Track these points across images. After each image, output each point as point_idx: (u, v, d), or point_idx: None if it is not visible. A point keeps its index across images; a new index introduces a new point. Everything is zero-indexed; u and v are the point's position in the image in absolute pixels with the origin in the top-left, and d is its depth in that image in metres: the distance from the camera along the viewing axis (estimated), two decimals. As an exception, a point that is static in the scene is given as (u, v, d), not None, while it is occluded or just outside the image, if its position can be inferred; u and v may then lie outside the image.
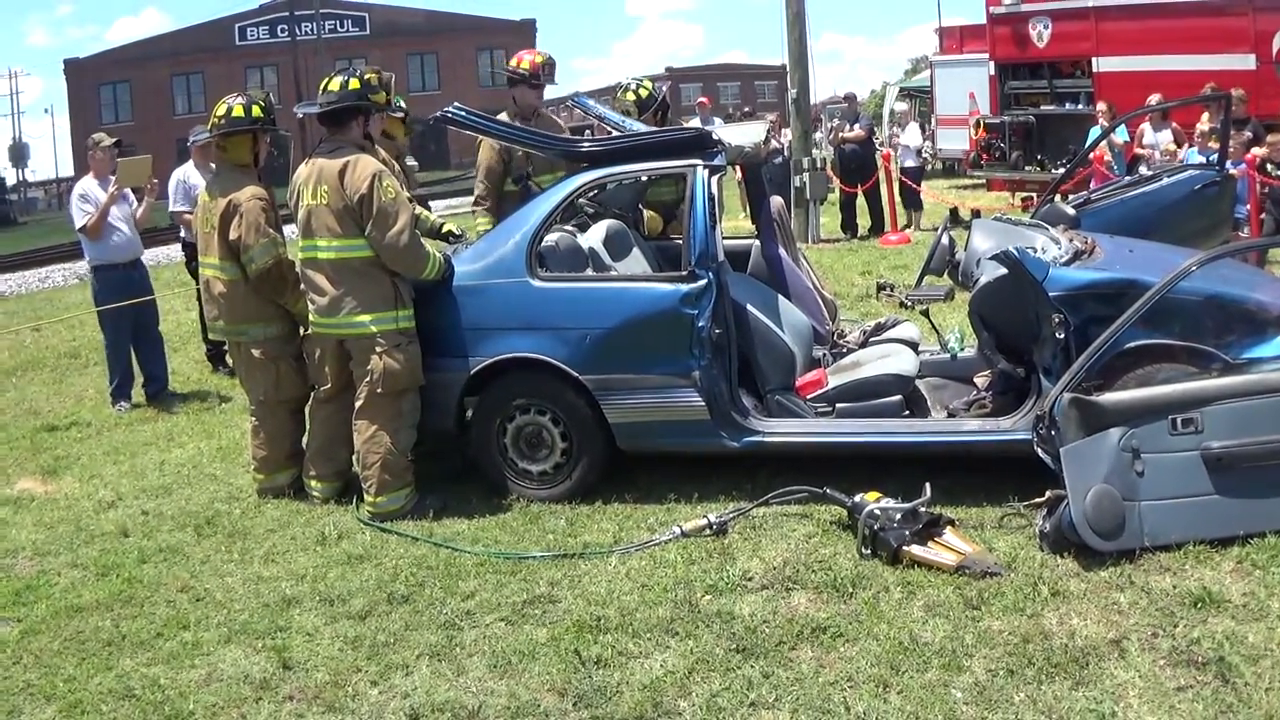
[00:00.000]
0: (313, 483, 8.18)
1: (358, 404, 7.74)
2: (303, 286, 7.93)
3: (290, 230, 7.94)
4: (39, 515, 8.46)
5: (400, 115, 9.70)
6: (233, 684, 5.60)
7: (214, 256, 8.34)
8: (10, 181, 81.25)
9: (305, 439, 8.36)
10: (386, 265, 7.60)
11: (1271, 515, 6.13)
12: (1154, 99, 17.55)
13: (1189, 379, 6.50)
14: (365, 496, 7.77)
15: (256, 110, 8.40)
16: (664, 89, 11.65)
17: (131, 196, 11.95)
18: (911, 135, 24.03)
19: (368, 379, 7.63)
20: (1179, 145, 17.77)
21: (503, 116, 9.24)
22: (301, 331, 8.27)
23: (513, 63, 9.85)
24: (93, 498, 8.71)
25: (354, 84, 7.84)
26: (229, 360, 12.43)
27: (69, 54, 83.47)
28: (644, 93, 10.93)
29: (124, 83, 79.97)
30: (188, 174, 12.24)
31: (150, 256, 12.56)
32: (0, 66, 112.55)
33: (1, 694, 5.70)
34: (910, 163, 23.04)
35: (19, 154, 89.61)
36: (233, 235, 8.17)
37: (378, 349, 7.56)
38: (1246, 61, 19.39)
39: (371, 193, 7.46)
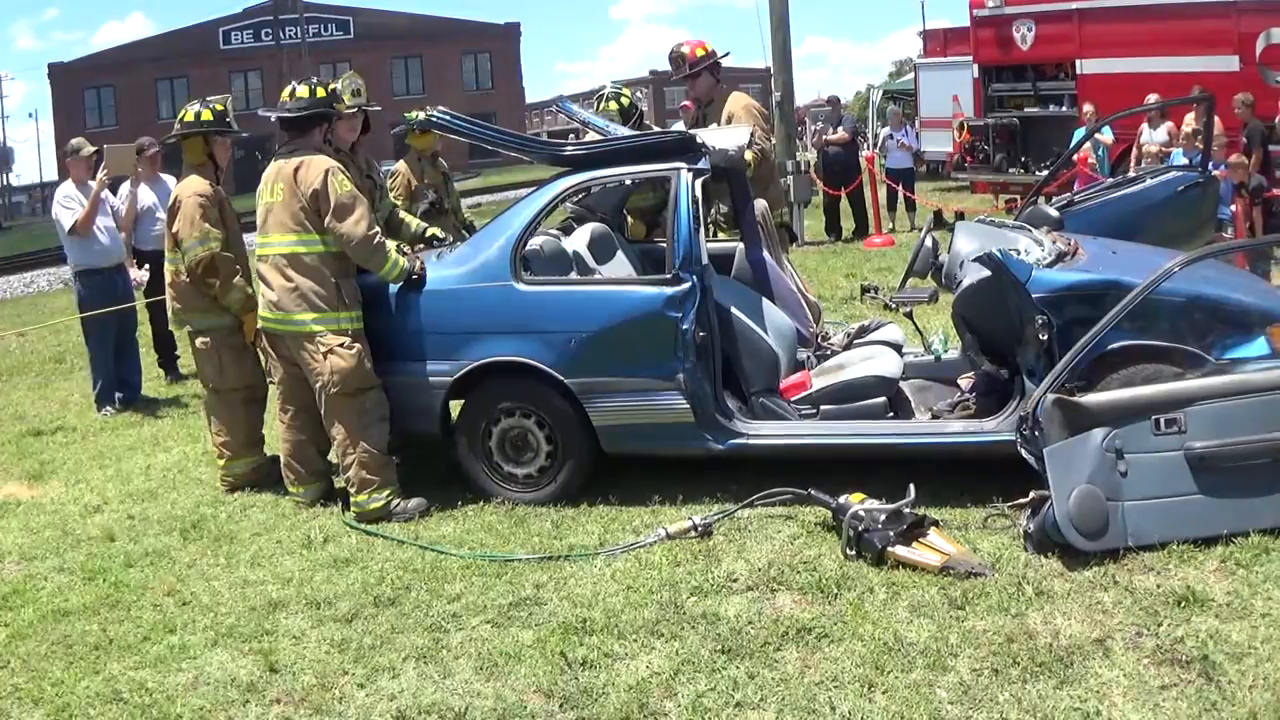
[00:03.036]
0: (292, 488, 8.21)
1: (323, 409, 7.82)
2: (237, 281, 8.37)
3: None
4: (25, 520, 8.44)
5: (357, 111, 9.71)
6: (220, 687, 5.59)
7: (166, 248, 8.83)
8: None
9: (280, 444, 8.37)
10: (351, 257, 7.74)
11: (1254, 514, 6.16)
12: (1152, 98, 17.60)
13: (1172, 379, 6.53)
14: (349, 498, 7.78)
15: (207, 114, 8.80)
16: (641, 98, 11.82)
17: (113, 200, 11.96)
18: (909, 136, 24.13)
19: (320, 382, 7.71)
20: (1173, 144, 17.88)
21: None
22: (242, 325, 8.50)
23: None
24: (79, 502, 8.70)
25: (320, 92, 8.15)
26: (178, 367, 12.83)
27: (55, 58, 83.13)
28: (625, 101, 11.07)
29: (109, 86, 79.75)
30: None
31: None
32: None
33: (-12, 698, 5.69)
34: (904, 164, 23.11)
35: (3, 158, 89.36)
36: (174, 228, 8.54)
37: (321, 349, 7.65)
38: (1230, 63, 19.44)
39: (325, 187, 7.66)
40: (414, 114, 10.82)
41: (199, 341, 8.63)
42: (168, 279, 8.78)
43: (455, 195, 12.66)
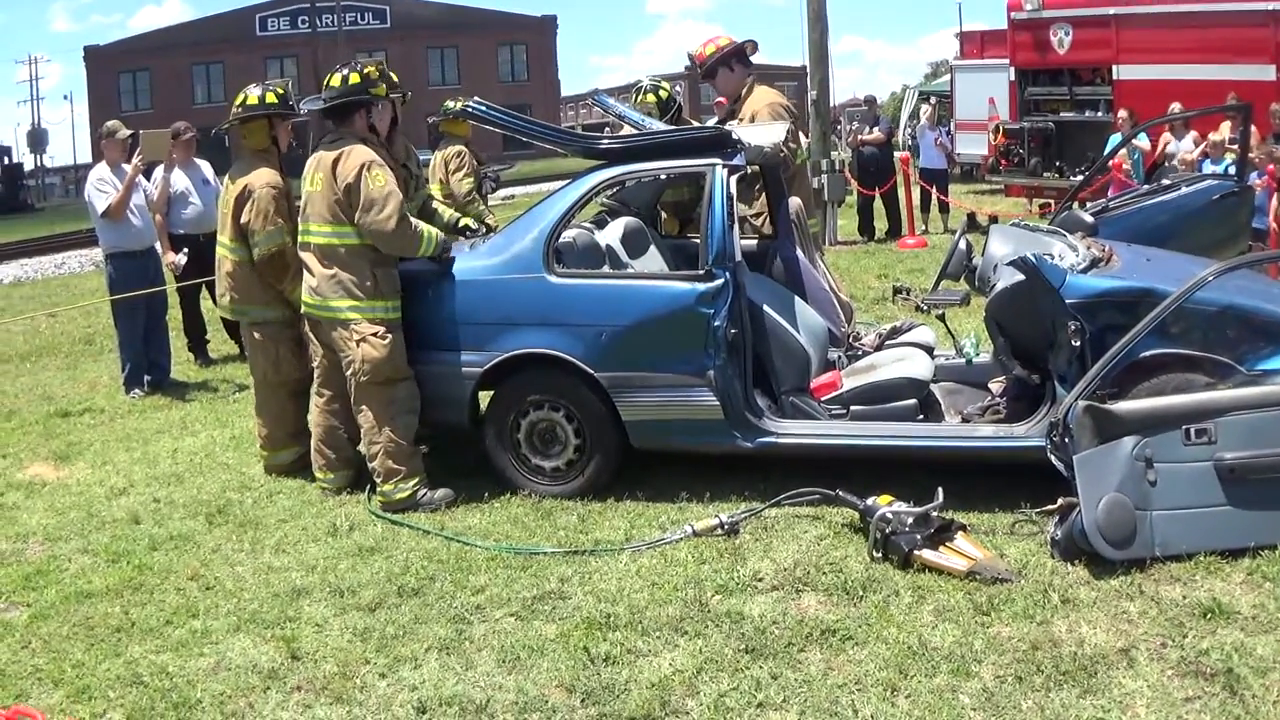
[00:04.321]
0: (319, 473, 8.22)
1: (352, 396, 7.83)
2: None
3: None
4: (50, 500, 8.49)
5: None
6: (241, 673, 5.60)
7: (226, 237, 8.64)
8: (28, 167, 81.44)
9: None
10: (381, 250, 7.74)
11: (1284, 527, 6.12)
12: (1175, 107, 17.51)
13: (1204, 389, 6.49)
14: (376, 487, 7.80)
15: (270, 97, 8.68)
16: (679, 91, 11.74)
17: (146, 184, 11.99)
18: (944, 135, 24.05)
19: (351, 369, 7.73)
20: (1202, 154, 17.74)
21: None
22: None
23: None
24: (104, 484, 8.74)
25: (354, 78, 8.06)
26: (209, 353, 12.78)
27: (91, 41, 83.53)
28: (664, 94, 11.00)
29: (144, 71, 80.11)
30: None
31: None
32: (20, 52, 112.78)
33: (10, 678, 5.71)
34: (938, 165, 23.06)
35: (38, 140, 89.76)
36: (243, 219, 8.47)
37: (354, 336, 7.66)
38: (1266, 72, 19.34)
39: (359, 182, 7.63)
40: (454, 103, 10.88)
41: (256, 333, 8.64)
42: (225, 268, 8.67)
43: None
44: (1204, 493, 6.11)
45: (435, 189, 12.14)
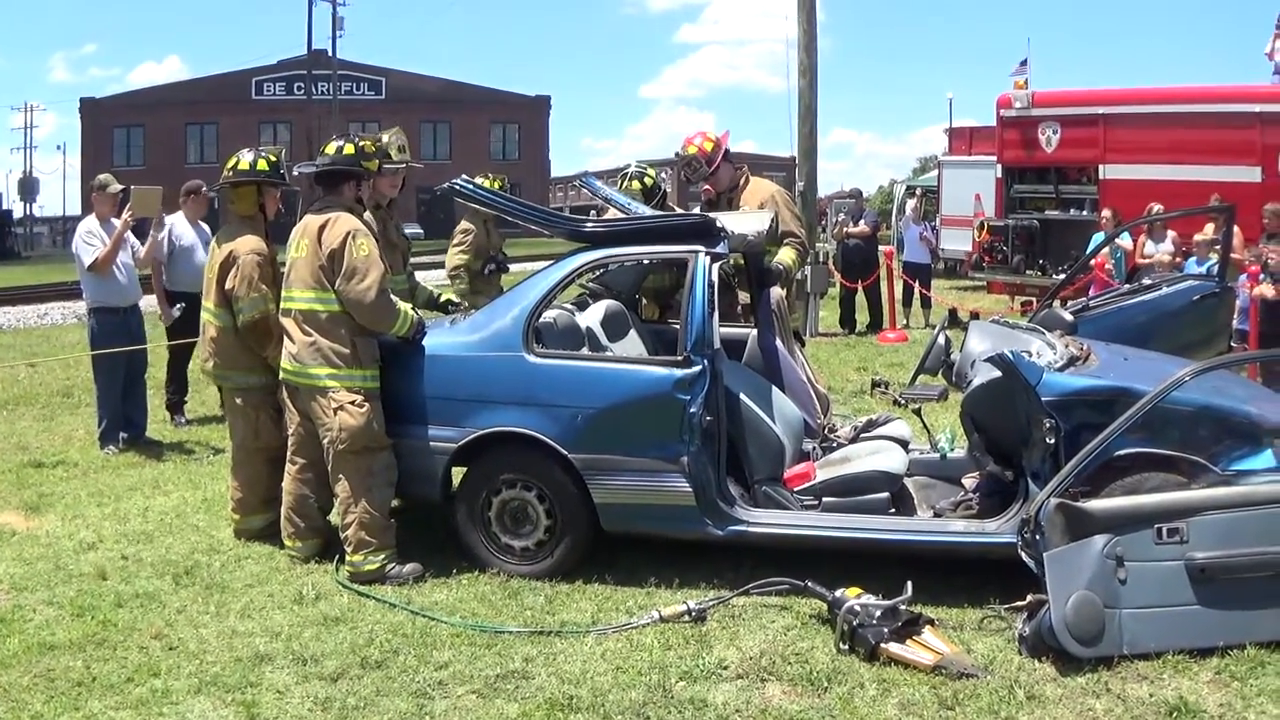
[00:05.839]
0: (289, 541, 8.17)
1: (329, 464, 7.82)
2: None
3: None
4: (19, 550, 8.44)
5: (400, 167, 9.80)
6: (199, 737, 5.56)
7: (211, 302, 8.64)
8: (17, 215, 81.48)
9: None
10: (357, 320, 7.74)
11: (1252, 627, 6.14)
12: (1155, 208, 17.64)
13: (1176, 489, 6.52)
14: (345, 556, 7.77)
15: (262, 164, 8.71)
16: (665, 178, 11.76)
17: (134, 240, 11.99)
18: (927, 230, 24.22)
19: (329, 437, 7.72)
20: (1179, 256, 17.84)
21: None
22: None
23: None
24: (74, 537, 8.69)
25: (349, 149, 8.20)
26: (185, 413, 12.67)
27: (88, 93, 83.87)
28: (649, 180, 11.07)
29: (138, 126, 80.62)
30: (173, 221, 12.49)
31: (147, 304, 12.56)
32: (17, 99, 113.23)
33: (-34, 730, 5.66)
34: (922, 260, 23.20)
35: (28, 188, 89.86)
36: (228, 285, 8.48)
37: (332, 405, 7.67)
38: (1253, 174, 19.55)
39: (343, 248, 7.68)
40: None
41: (238, 399, 8.63)
42: (209, 333, 8.67)
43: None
44: (1174, 592, 6.14)
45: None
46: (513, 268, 13.68)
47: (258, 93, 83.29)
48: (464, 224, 12.73)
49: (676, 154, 10.57)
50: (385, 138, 9.61)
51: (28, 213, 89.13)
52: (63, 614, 7.14)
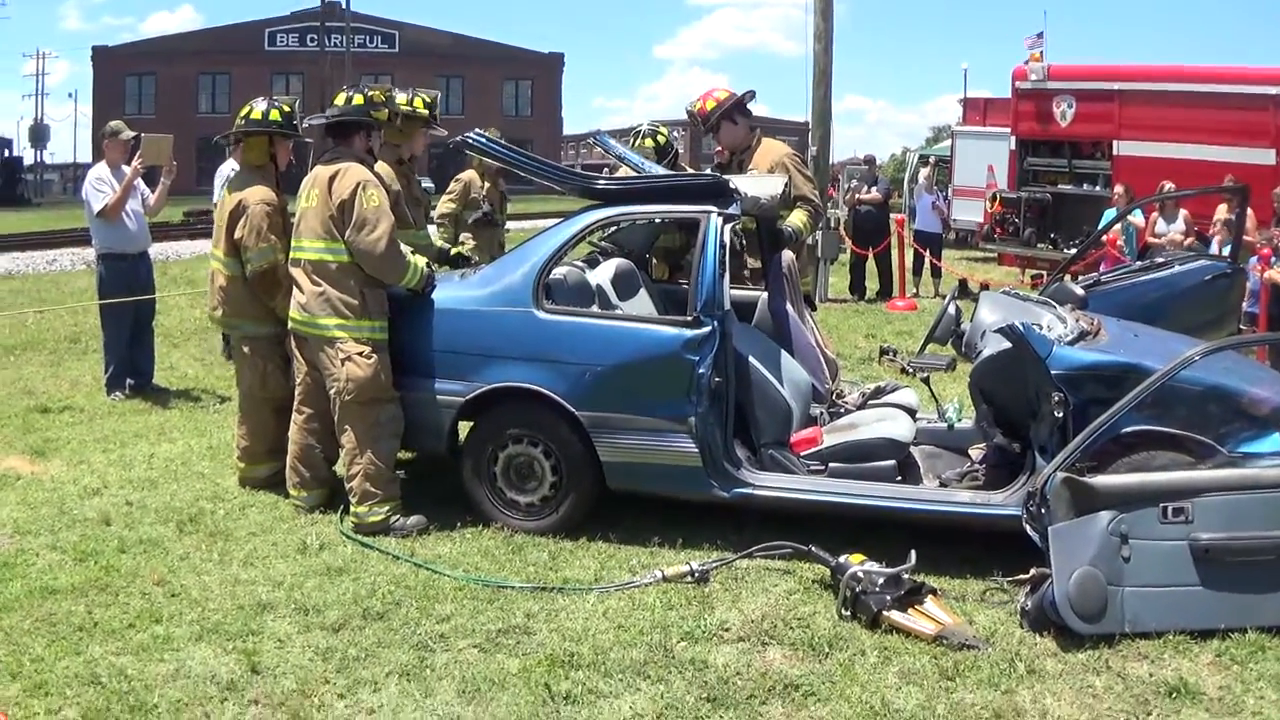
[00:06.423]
0: (293, 491, 8.19)
1: (335, 415, 7.82)
2: None
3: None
4: (23, 494, 8.46)
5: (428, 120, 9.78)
6: (199, 682, 5.57)
7: (220, 250, 8.67)
8: (28, 162, 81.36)
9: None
10: (366, 270, 7.75)
11: (1254, 610, 6.12)
12: (1167, 186, 17.58)
13: (1183, 468, 6.51)
14: (349, 507, 7.77)
15: (275, 114, 8.69)
16: (678, 138, 11.74)
17: (144, 188, 11.96)
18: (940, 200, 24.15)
19: (335, 387, 7.73)
20: (1191, 236, 17.78)
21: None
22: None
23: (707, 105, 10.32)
24: (78, 483, 8.71)
25: (358, 100, 8.24)
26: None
27: (100, 41, 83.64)
28: (661, 139, 11.06)
29: (150, 75, 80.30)
30: (233, 167, 12.39)
31: (157, 250, 12.54)
32: (29, 46, 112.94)
33: (-33, 670, 5.67)
34: (933, 229, 23.16)
35: (39, 135, 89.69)
36: (237, 234, 8.48)
37: (340, 355, 7.67)
38: (1267, 156, 19.39)
39: (353, 199, 7.68)
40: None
41: (246, 348, 8.65)
42: (218, 282, 8.67)
43: (504, 216, 12.98)
44: (1177, 572, 6.12)
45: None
46: (521, 225, 13.61)
47: (270, 43, 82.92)
48: (462, 175, 12.68)
49: (687, 107, 10.56)
50: (425, 95, 9.62)
51: (38, 159, 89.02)
52: (65, 559, 7.16)
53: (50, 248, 31.17)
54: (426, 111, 9.55)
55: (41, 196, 74.98)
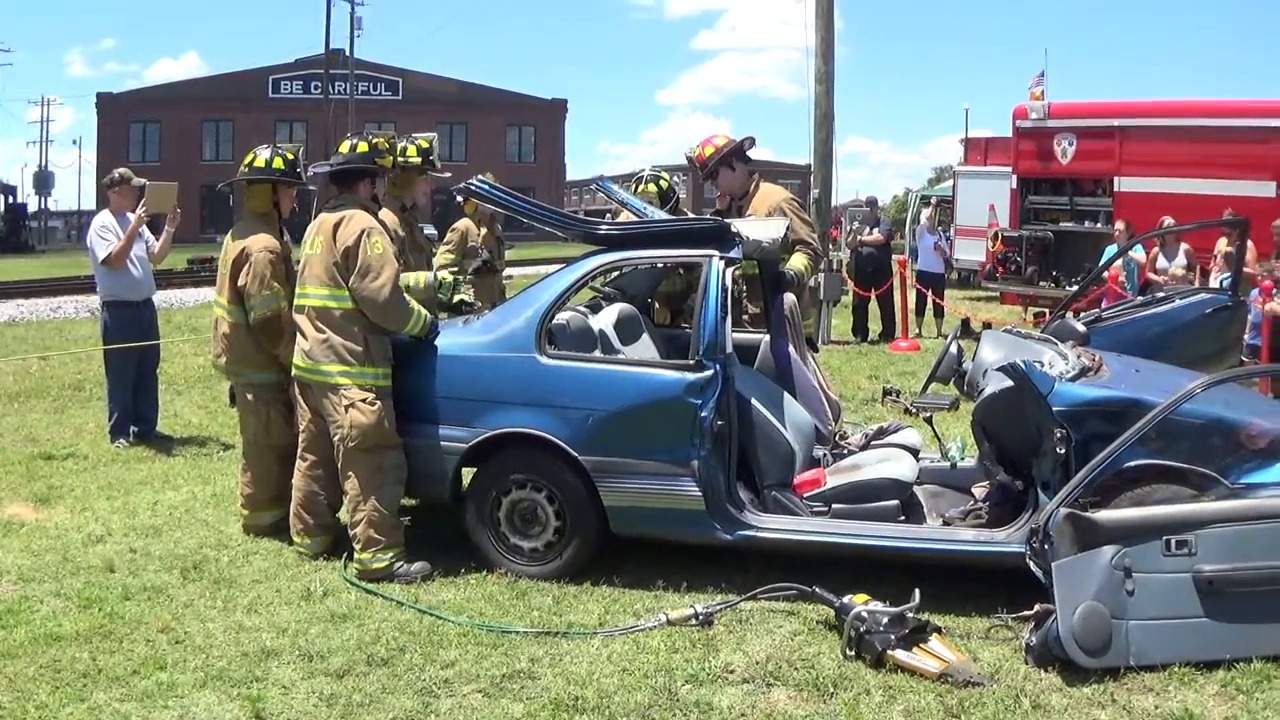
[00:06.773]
0: (297, 538, 8.19)
1: (339, 461, 7.83)
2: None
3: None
4: (27, 541, 8.47)
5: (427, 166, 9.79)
6: (204, 730, 5.57)
7: (223, 298, 8.69)
8: (32, 208, 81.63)
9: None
10: (369, 317, 7.77)
11: (1259, 640, 6.13)
12: (1167, 221, 17.61)
13: (1186, 501, 6.51)
14: (353, 554, 7.77)
15: (278, 162, 8.73)
16: (680, 183, 11.81)
17: (149, 235, 12.01)
18: (942, 240, 24.16)
19: (339, 434, 7.73)
20: (1192, 270, 17.80)
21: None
22: None
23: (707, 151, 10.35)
24: (82, 530, 8.71)
25: (362, 147, 8.24)
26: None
27: (105, 88, 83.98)
28: (664, 184, 11.13)
29: (155, 122, 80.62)
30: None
31: (161, 298, 12.58)
32: (34, 92, 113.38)
33: (-28, 716, 5.67)
34: (935, 269, 23.18)
35: (44, 182, 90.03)
36: (240, 281, 8.50)
37: (343, 402, 7.68)
38: (1267, 189, 19.42)
39: (358, 246, 7.71)
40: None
41: (249, 395, 8.66)
42: (221, 329, 8.69)
43: (503, 262, 13.01)
44: (1181, 604, 6.13)
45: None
46: (523, 271, 13.63)
47: (274, 91, 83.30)
48: (458, 224, 12.71)
49: (686, 153, 10.59)
50: (423, 143, 9.64)
51: (42, 206, 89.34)
52: (70, 605, 7.15)
53: (54, 295, 31.30)
54: (420, 159, 9.54)
55: (45, 243, 75.29)
